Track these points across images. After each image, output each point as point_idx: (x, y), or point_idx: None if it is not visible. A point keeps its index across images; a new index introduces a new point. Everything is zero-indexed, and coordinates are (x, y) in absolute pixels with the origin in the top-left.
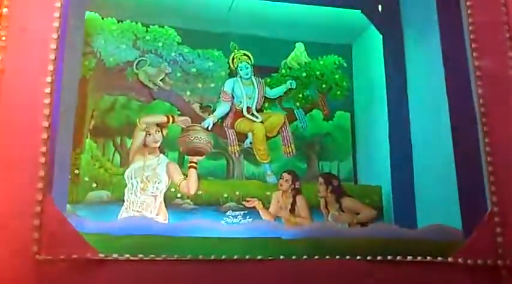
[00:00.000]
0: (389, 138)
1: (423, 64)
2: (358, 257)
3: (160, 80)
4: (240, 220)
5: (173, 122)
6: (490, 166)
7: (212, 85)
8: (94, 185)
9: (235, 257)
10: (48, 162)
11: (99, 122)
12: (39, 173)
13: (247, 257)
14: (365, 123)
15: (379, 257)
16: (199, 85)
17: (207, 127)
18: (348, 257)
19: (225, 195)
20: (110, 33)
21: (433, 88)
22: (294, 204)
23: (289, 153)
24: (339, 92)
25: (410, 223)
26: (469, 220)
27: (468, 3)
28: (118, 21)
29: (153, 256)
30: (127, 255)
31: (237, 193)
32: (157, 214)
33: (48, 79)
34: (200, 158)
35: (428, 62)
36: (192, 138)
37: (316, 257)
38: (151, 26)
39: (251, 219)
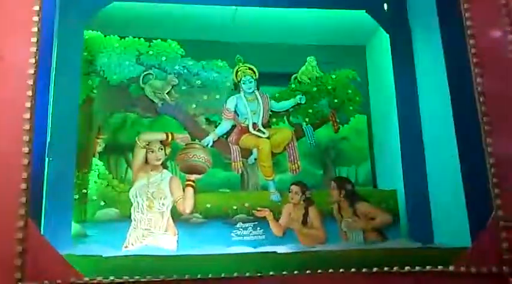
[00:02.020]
0: (401, 141)
1: (430, 64)
2: (353, 270)
3: (167, 93)
4: (250, 232)
5: (172, 139)
6: (493, 168)
7: (217, 96)
8: (102, 203)
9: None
10: (31, 188)
11: (110, 140)
12: (21, 199)
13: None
14: (381, 126)
15: (375, 269)
16: (205, 97)
17: (207, 145)
18: (341, 270)
19: (234, 207)
20: (112, 51)
21: (438, 89)
22: (306, 215)
23: (295, 170)
24: (351, 107)
25: (425, 229)
26: (476, 225)
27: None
28: (120, 38)
29: (138, 277)
30: (111, 277)
31: (246, 204)
32: (165, 231)
33: (28, 104)
34: (198, 176)
35: (434, 61)
36: (190, 156)
37: (308, 271)
38: (153, 41)
39: (261, 230)
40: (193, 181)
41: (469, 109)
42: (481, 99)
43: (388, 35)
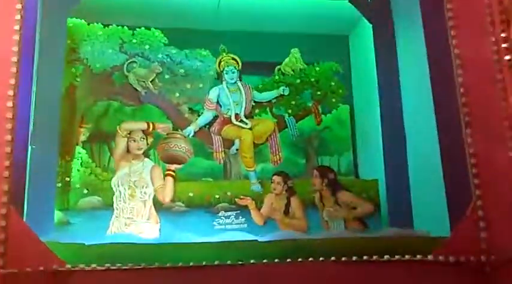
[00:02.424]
0: (383, 131)
1: (412, 55)
2: (332, 258)
3: (151, 81)
4: (233, 221)
5: (153, 129)
6: (473, 158)
7: (201, 85)
8: (85, 191)
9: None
10: (13, 176)
11: (93, 128)
12: (3, 187)
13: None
14: (363, 116)
15: (354, 258)
16: (188, 86)
17: (188, 135)
18: (321, 258)
19: (217, 196)
20: (96, 39)
21: (420, 80)
22: (288, 205)
23: (277, 161)
24: (334, 100)
25: (406, 218)
26: (455, 215)
27: None
28: (104, 26)
29: (120, 264)
30: (93, 265)
31: (229, 193)
32: (148, 219)
33: (10, 92)
34: (178, 166)
35: (416, 52)
36: (171, 146)
37: (288, 260)
38: (137, 29)
39: (243, 219)
40: (173, 171)
41: (450, 101)
42: (461, 91)
43: (371, 25)
